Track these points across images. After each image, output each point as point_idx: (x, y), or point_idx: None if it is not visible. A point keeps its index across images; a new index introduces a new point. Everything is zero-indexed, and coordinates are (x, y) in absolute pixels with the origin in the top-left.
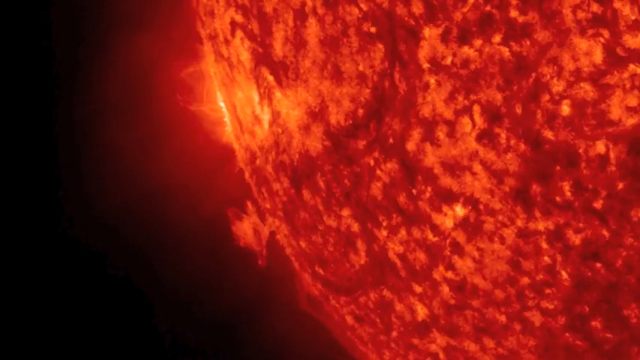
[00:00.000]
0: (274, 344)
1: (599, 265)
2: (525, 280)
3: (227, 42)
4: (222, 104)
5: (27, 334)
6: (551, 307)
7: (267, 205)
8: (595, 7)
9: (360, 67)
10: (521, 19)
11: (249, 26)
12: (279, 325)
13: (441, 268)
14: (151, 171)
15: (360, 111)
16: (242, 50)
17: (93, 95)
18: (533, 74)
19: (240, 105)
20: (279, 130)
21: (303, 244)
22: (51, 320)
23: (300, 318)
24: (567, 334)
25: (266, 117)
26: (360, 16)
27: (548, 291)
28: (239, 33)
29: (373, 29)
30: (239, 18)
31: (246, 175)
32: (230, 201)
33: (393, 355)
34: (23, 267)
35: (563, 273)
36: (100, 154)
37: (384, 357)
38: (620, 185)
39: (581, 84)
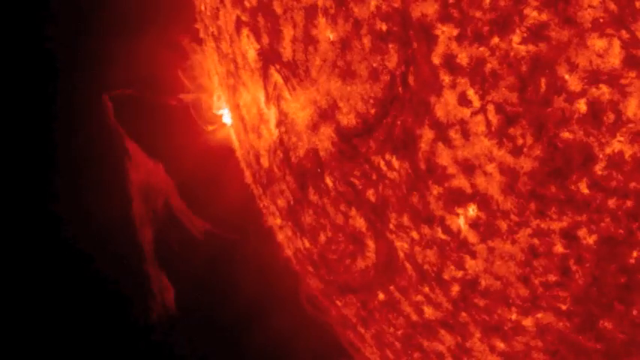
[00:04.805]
0: (275, 344)
1: (612, 265)
2: (538, 281)
3: (232, 41)
4: (224, 104)
5: (23, 334)
6: (563, 307)
7: (270, 206)
8: (612, 8)
9: (373, 67)
10: (538, 19)
11: (256, 25)
12: (279, 326)
13: (451, 267)
14: (151, 172)
15: (372, 110)
16: (248, 49)
17: (92, 96)
18: (550, 74)
19: (244, 105)
20: (287, 130)
21: (307, 243)
22: (50, 325)
23: (300, 318)
24: (578, 335)
25: (273, 117)
26: (373, 15)
27: (561, 291)
28: (245, 32)
29: (386, 28)
30: (245, 17)
31: (248, 175)
32: (231, 202)
33: (396, 355)
34: (19, 270)
35: (577, 273)
36: (99, 154)
37: (387, 357)
38: (635, 184)
39: (598, 84)
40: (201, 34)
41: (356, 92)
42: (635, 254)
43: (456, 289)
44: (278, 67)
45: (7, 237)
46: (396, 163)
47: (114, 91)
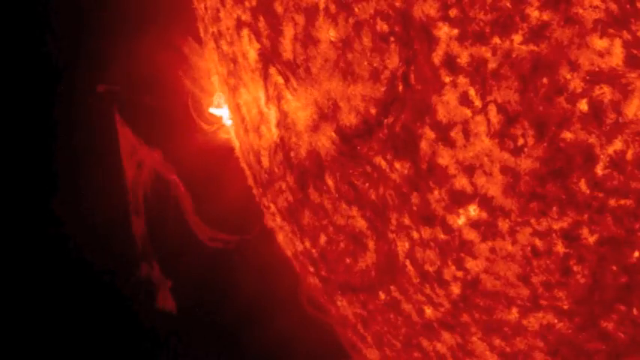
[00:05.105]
0: (275, 344)
1: (613, 265)
2: (539, 281)
3: (232, 41)
4: (224, 104)
5: (20, 332)
6: (564, 307)
7: (272, 206)
8: (614, 8)
9: (374, 67)
10: (539, 19)
11: (257, 25)
12: (279, 326)
13: (452, 267)
14: (151, 172)
15: (372, 110)
16: (249, 49)
17: (92, 97)
18: (551, 74)
19: (245, 105)
20: (287, 130)
21: (307, 244)
22: (47, 324)
23: (300, 318)
24: (579, 334)
25: (273, 117)
26: (374, 15)
27: (561, 291)
28: (246, 32)
29: (387, 28)
30: (246, 17)
31: (248, 175)
32: (231, 202)
33: (396, 355)
34: (17, 268)
35: (578, 273)
36: (99, 153)
37: (387, 356)
38: (636, 184)
39: (599, 84)
40: (202, 34)
41: (357, 92)
42: (636, 254)
43: (456, 289)
44: (278, 67)
45: (5, 236)
46: (396, 163)
47: (113, 90)
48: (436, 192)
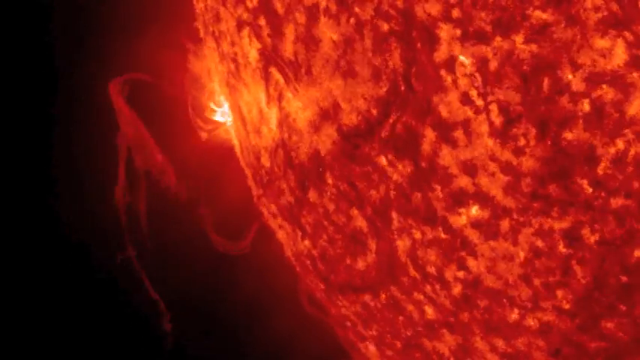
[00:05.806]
0: (275, 344)
1: (614, 265)
2: (540, 281)
3: (233, 41)
4: (225, 104)
5: (22, 330)
6: (565, 307)
7: (272, 206)
8: (616, 8)
9: (375, 67)
10: (541, 19)
11: (258, 25)
12: (279, 325)
13: (453, 267)
14: (152, 171)
15: (374, 110)
16: (250, 49)
17: (92, 97)
18: (553, 74)
19: (245, 105)
20: (288, 130)
21: (307, 244)
22: (47, 324)
23: (300, 318)
24: (580, 334)
25: (274, 116)
26: (376, 14)
27: (563, 291)
28: (246, 32)
29: (389, 28)
30: (247, 17)
31: (248, 175)
32: (231, 202)
33: (397, 355)
34: (18, 265)
35: (579, 273)
36: (100, 153)
37: (387, 356)
38: (638, 184)
39: (601, 84)
40: (202, 34)
41: (358, 92)
42: (637, 254)
43: (457, 289)
44: (280, 66)
45: (6, 234)
46: (398, 163)
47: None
48: (438, 192)
